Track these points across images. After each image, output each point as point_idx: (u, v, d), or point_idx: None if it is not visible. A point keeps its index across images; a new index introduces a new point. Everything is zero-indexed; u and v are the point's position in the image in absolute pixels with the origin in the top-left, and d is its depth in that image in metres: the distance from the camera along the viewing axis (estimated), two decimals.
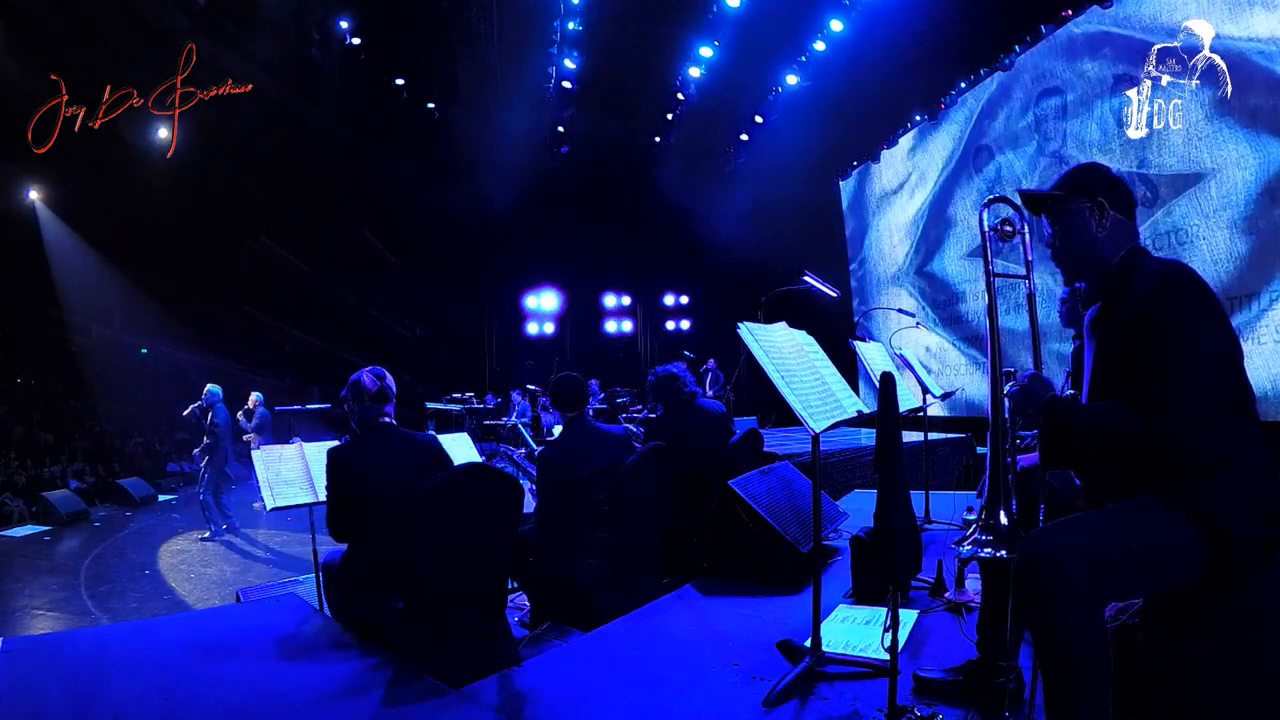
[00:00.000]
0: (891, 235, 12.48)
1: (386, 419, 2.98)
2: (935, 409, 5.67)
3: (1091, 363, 1.78)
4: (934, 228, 11.35)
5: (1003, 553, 1.62)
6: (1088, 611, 1.45)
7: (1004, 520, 1.63)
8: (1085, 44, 8.26)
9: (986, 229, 1.79)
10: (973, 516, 4.20)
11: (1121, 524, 1.54)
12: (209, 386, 7.86)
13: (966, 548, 1.66)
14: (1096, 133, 8.10)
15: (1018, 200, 1.86)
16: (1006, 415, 1.71)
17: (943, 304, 11.18)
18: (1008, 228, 1.82)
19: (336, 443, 3.07)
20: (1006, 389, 1.70)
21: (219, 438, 7.62)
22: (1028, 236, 1.86)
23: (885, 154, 12.54)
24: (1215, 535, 1.51)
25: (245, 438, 8.74)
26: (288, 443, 4.15)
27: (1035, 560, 1.47)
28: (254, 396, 8.96)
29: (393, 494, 2.72)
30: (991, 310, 1.77)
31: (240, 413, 8.74)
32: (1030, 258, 1.89)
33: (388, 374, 3.04)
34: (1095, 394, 1.74)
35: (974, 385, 10.15)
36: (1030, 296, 1.87)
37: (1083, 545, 1.48)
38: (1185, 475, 1.55)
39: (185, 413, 7.97)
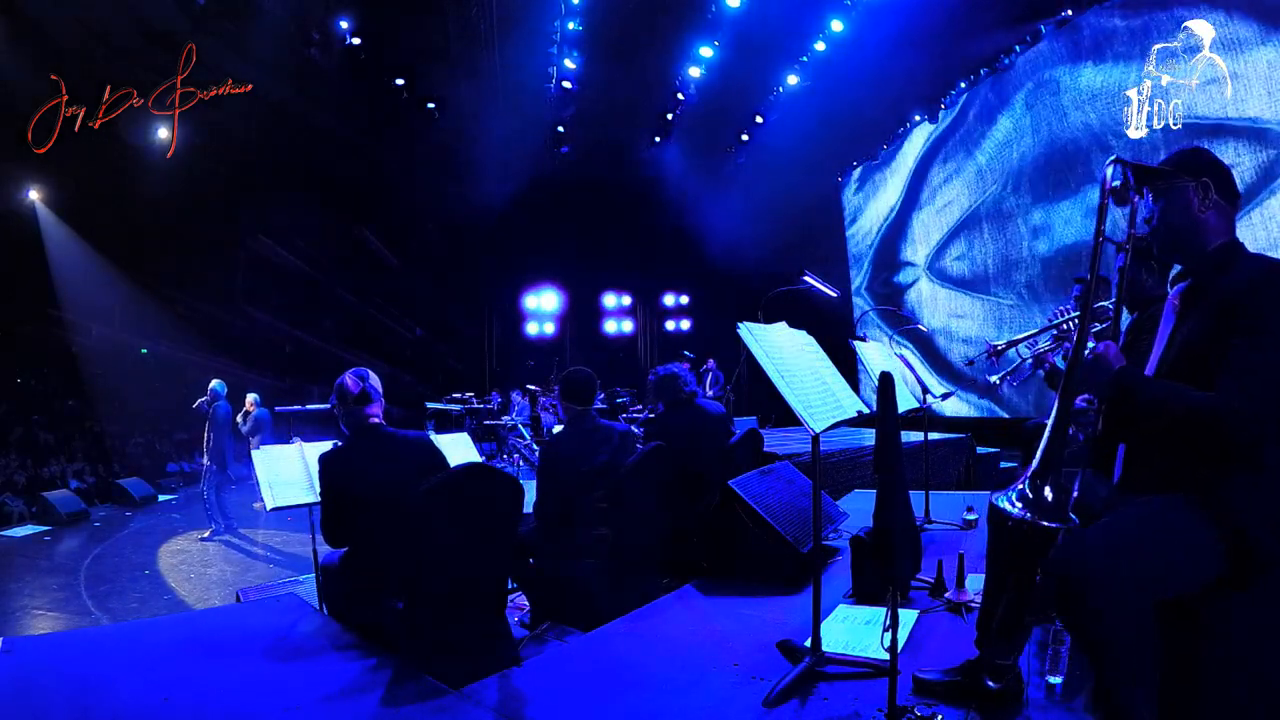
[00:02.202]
0: (892, 234, 12.49)
1: (375, 420, 2.96)
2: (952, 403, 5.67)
3: (1167, 338, 1.79)
4: (935, 227, 11.37)
5: (1040, 519, 1.58)
6: (1134, 620, 1.46)
7: (1048, 492, 1.60)
8: (1086, 43, 8.27)
9: (1109, 187, 1.76)
10: (973, 516, 4.19)
11: (1157, 534, 1.55)
12: (214, 383, 7.88)
13: (1009, 498, 1.62)
14: (1097, 131, 8.10)
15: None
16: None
17: (938, 303, 11.19)
18: (1127, 190, 1.80)
19: (334, 444, 3.06)
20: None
21: (218, 435, 7.62)
22: (1135, 205, 1.84)
23: (885, 154, 12.56)
24: (1239, 544, 1.52)
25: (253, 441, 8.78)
26: (287, 443, 4.14)
27: (1078, 585, 1.47)
28: (250, 398, 8.97)
29: (387, 495, 2.71)
30: (1094, 269, 1.76)
31: (239, 415, 8.76)
32: (1134, 230, 1.86)
33: (370, 374, 3.00)
34: (1166, 367, 1.75)
35: (962, 394, 10.15)
36: (1122, 270, 1.85)
37: (1123, 566, 1.48)
38: (1225, 476, 1.57)
39: (195, 405, 7.99)
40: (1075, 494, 1.76)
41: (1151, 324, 1.96)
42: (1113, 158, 1.79)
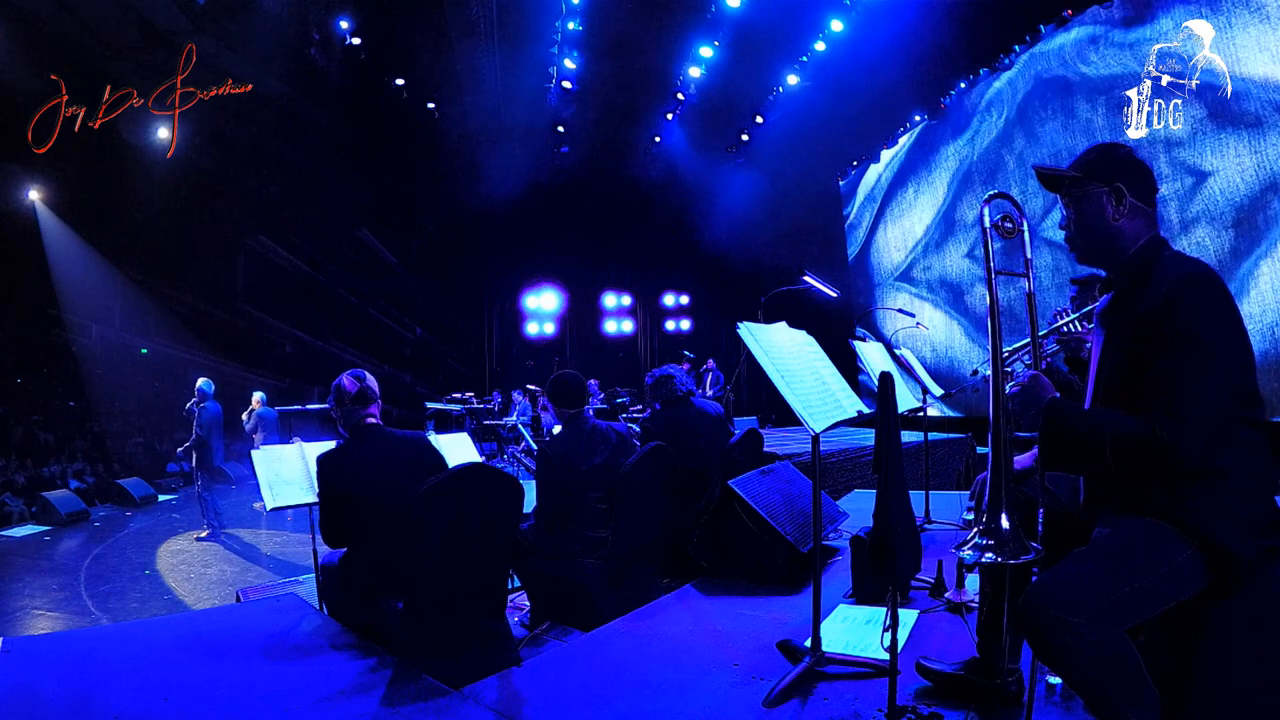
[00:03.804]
0: (891, 235, 12.49)
1: (372, 420, 2.96)
2: (935, 409, 5.67)
3: (1100, 354, 1.74)
4: (934, 227, 11.36)
5: (1003, 559, 1.60)
6: (1107, 650, 1.44)
7: (1005, 524, 1.60)
8: (1086, 43, 8.26)
9: (987, 225, 1.74)
10: (972, 517, 4.19)
11: (1124, 562, 1.52)
12: (200, 382, 7.84)
13: (968, 552, 1.63)
14: (1097, 131, 8.10)
15: (1016, 195, 1.83)
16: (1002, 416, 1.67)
17: (942, 300, 11.19)
18: (1008, 224, 1.76)
19: (336, 443, 3.07)
20: (1006, 390, 1.67)
21: (207, 434, 7.61)
22: (1028, 234, 1.82)
23: (885, 154, 12.56)
24: (1217, 555, 1.51)
25: (255, 438, 8.83)
26: (287, 442, 4.14)
27: (1042, 624, 1.46)
28: (256, 397, 9.00)
29: (386, 495, 2.72)
30: (993, 309, 1.72)
31: (245, 414, 8.82)
32: (1030, 256, 1.85)
33: (368, 375, 3.01)
34: (1101, 386, 1.71)
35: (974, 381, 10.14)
36: (1030, 295, 1.83)
37: (1088, 600, 1.46)
38: (1184, 488, 1.54)
39: (185, 409, 7.97)
40: (1042, 505, 1.76)
41: None
42: (991, 193, 1.75)
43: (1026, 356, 2.92)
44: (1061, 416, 1.61)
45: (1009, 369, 1.74)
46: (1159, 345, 1.55)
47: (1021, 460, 2.20)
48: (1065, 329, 2.76)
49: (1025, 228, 1.80)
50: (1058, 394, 1.67)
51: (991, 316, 1.72)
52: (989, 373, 1.62)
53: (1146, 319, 1.58)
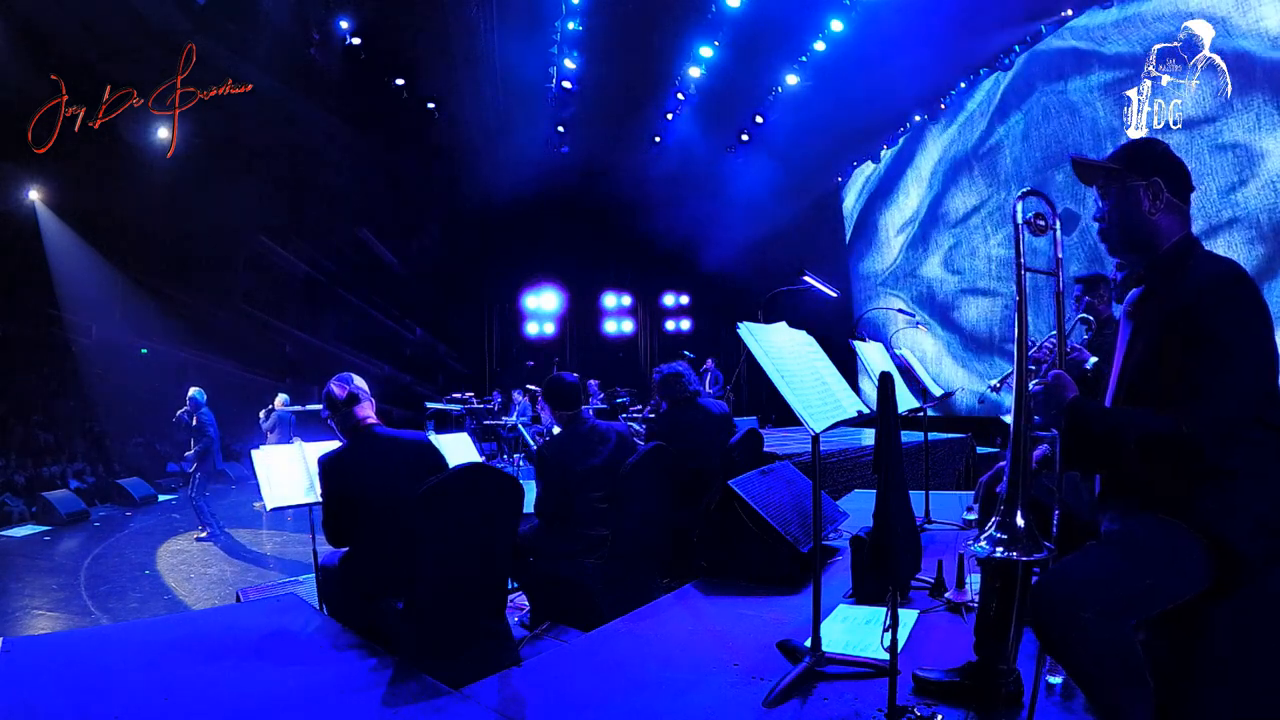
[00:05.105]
0: (891, 235, 12.49)
1: (369, 420, 2.98)
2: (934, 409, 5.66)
3: (1125, 348, 1.74)
4: (934, 226, 11.37)
5: (1017, 555, 1.59)
6: (1111, 645, 1.45)
7: (1021, 522, 1.60)
8: (1086, 43, 8.26)
9: (1019, 222, 1.72)
10: (972, 516, 4.19)
11: (1135, 559, 1.53)
12: (192, 391, 7.88)
13: (982, 545, 1.62)
14: (1096, 132, 8.10)
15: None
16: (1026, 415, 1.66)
17: (941, 305, 11.20)
18: (1040, 222, 1.75)
19: (336, 444, 3.07)
20: (1030, 387, 1.67)
21: (208, 441, 7.64)
22: (1059, 232, 1.80)
23: (885, 153, 12.56)
24: (1225, 554, 1.51)
25: (270, 437, 8.93)
26: (287, 442, 4.15)
27: (1051, 617, 1.46)
28: (280, 398, 9.15)
29: (387, 495, 2.72)
30: (1021, 307, 1.70)
31: (262, 411, 8.95)
32: (1060, 255, 1.83)
33: (354, 376, 3.04)
34: (1124, 381, 1.72)
35: (970, 390, 10.15)
36: (1058, 294, 1.82)
37: (1098, 595, 1.46)
38: (1195, 487, 1.54)
39: (175, 419, 7.99)
40: (1057, 506, 1.75)
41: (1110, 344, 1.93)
42: (1025, 189, 1.75)
43: (1030, 363, 2.91)
44: (1083, 416, 1.61)
45: (1032, 368, 1.73)
46: (1185, 343, 1.55)
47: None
48: (1069, 349, 2.71)
49: (1056, 226, 1.79)
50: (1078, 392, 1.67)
51: (1019, 312, 1.71)
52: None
53: (1174, 316, 1.59)
